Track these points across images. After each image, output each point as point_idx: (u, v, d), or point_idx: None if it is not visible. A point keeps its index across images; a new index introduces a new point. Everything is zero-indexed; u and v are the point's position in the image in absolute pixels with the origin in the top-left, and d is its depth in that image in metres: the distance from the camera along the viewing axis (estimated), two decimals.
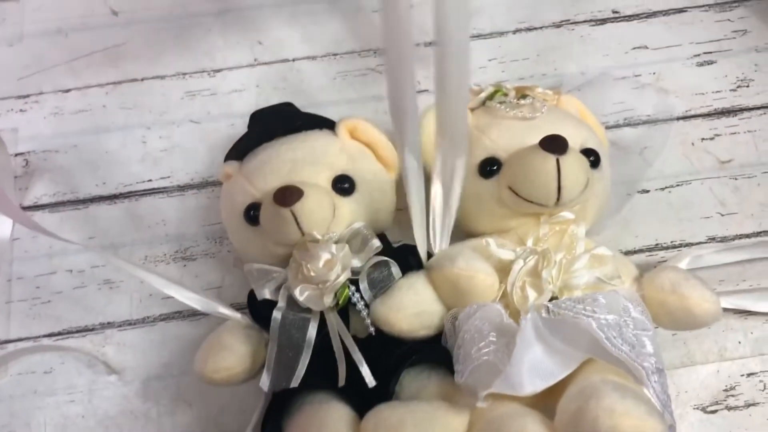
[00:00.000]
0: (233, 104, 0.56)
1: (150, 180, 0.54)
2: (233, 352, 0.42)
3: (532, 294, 0.41)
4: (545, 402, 0.37)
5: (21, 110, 0.57)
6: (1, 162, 0.52)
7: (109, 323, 0.50)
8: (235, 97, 0.57)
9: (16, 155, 0.55)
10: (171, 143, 0.56)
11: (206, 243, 0.52)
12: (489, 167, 0.45)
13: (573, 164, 0.42)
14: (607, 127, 0.54)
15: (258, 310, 0.44)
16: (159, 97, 0.57)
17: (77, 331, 0.50)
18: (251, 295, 0.45)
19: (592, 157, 0.45)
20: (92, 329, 0.50)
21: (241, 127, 0.52)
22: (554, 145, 0.41)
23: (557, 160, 0.41)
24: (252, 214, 0.43)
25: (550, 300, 0.41)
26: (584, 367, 0.38)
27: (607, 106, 0.55)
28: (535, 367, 0.37)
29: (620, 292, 0.41)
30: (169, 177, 0.55)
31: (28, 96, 0.58)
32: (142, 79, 0.58)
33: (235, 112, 0.56)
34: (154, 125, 0.56)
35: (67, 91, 0.58)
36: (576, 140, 0.44)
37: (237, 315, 0.45)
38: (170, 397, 0.48)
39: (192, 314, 0.50)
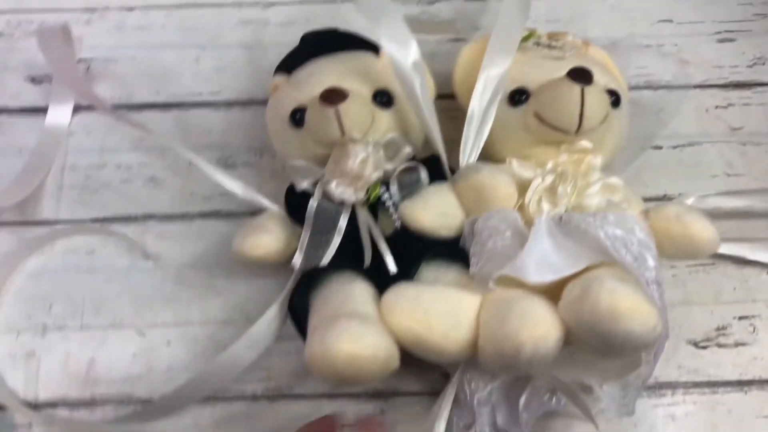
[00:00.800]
0: (283, 35, 0.61)
1: (200, 94, 0.59)
2: (270, 233, 0.47)
3: (547, 206, 0.45)
4: (553, 299, 0.41)
5: (87, 22, 0.62)
6: (69, 56, 0.56)
7: (150, 215, 0.54)
8: (285, 29, 0.61)
9: (79, 61, 0.60)
10: (222, 64, 0.60)
11: (247, 154, 0.56)
12: (518, 96, 0.49)
13: (596, 95, 0.46)
14: (629, 88, 0.58)
15: (294, 204, 0.48)
16: (215, 23, 0.62)
17: (121, 219, 0.54)
18: (288, 190, 0.49)
19: (614, 97, 0.48)
20: (135, 219, 0.54)
21: None
22: (580, 76, 0.46)
23: (582, 90, 0.45)
24: (297, 117, 0.47)
25: None
26: (590, 267, 0.41)
27: (631, 69, 0.59)
28: (544, 259, 0.40)
29: (629, 215, 0.45)
30: (218, 93, 0.59)
31: (94, 10, 0.62)
32: (201, 5, 0.62)
33: (284, 42, 0.59)
34: (208, 46, 0.61)
35: (131, 9, 0.62)
36: (600, 80, 0.48)
37: (274, 207, 0.49)
38: (201, 285, 0.52)
39: (228, 214, 0.54)
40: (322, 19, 0.61)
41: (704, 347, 0.50)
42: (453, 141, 0.51)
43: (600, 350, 0.38)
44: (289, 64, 0.51)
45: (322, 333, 0.37)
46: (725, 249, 0.51)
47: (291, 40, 0.56)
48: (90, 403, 0.49)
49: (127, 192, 0.55)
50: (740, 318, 0.51)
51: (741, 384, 0.49)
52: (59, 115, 0.56)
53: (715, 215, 0.52)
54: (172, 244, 0.53)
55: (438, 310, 0.39)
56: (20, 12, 0.62)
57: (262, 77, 0.59)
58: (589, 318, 0.36)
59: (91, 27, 0.62)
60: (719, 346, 0.50)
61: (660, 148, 0.56)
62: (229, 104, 0.58)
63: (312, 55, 0.51)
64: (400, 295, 0.40)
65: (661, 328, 0.37)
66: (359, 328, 0.37)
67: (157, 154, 0.56)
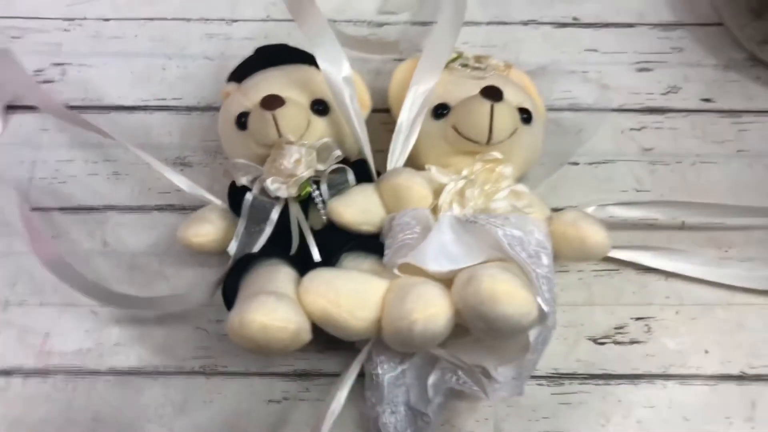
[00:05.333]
0: (244, 48, 0.66)
1: (164, 99, 0.65)
2: (211, 223, 0.52)
3: (456, 208, 0.51)
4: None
5: (66, 30, 0.68)
6: (22, 74, 0.61)
7: (111, 206, 0.60)
8: (246, 43, 0.67)
9: (57, 65, 0.66)
10: (186, 73, 0.66)
11: (203, 155, 0.62)
12: (440, 110, 0.54)
13: (504, 111, 0.51)
14: (552, 109, 0.64)
15: (235, 198, 0.53)
16: (182, 36, 0.68)
17: (84, 209, 0.60)
18: (231, 185, 0.54)
19: (525, 115, 0.54)
20: (97, 209, 0.60)
21: None
22: (491, 93, 0.51)
23: (492, 106, 0.51)
24: (242, 120, 0.53)
25: None
26: (486, 262, 0.47)
27: (556, 92, 0.65)
28: (443, 249, 0.46)
29: (529, 219, 0.51)
30: (180, 98, 0.65)
31: (73, 20, 0.68)
32: (171, 19, 0.68)
33: (244, 55, 0.65)
34: (175, 57, 0.67)
35: (107, 20, 0.69)
36: (514, 99, 0.54)
37: (217, 201, 0.55)
38: (151, 271, 0.57)
39: (182, 208, 0.60)
40: (279, 35, 0.67)
41: (602, 343, 0.56)
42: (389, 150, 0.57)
43: (484, 330, 0.44)
44: (240, 73, 0.57)
45: (241, 306, 0.43)
46: (627, 256, 0.57)
47: (251, 53, 0.62)
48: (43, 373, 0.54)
49: (91, 184, 0.61)
50: (637, 318, 0.56)
51: (632, 377, 0.54)
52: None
53: (622, 226, 0.58)
54: (128, 233, 0.59)
55: (347, 291, 0.45)
56: (6, 18, 0.68)
57: (221, 86, 0.64)
58: (472, 300, 0.42)
59: (70, 35, 0.68)
60: (616, 343, 0.56)
61: (577, 164, 0.62)
62: (189, 109, 0.64)
63: (261, 66, 0.57)
64: (316, 276, 0.46)
65: (536, 314, 0.42)
66: (273, 303, 0.43)
67: (121, 151, 0.62)
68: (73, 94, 0.65)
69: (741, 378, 0.54)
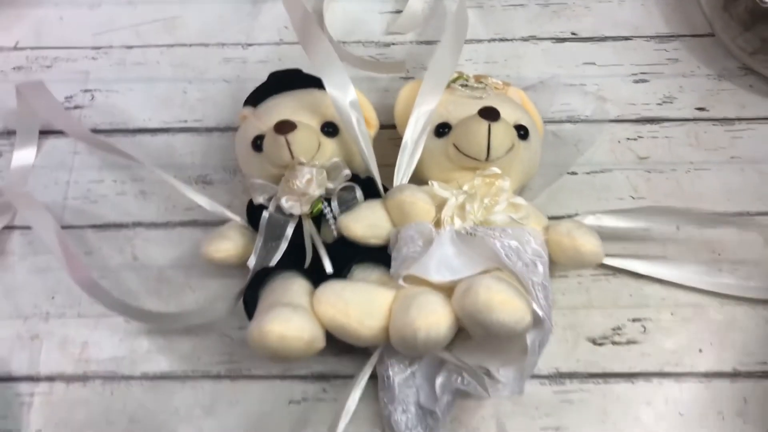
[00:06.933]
0: (259, 72, 0.70)
1: (186, 121, 0.69)
2: (231, 240, 0.56)
3: (458, 222, 0.54)
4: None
5: (93, 58, 0.73)
6: (55, 104, 0.66)
7: (139, 223, 0.64)
8: (260, 66, 0.71)
9: (86, 91, 0.71)
10: (206, 95, 0.70)
11: (223, 173, 0.66)
12: (442, 129, 0.58)
13: (501, 130, 0.55)
14: (552, 122, 0.67)
15: (253, 215, 0.57)
16: (201, 60, 0.72)
17: (114, 226, 0.64)
18: (249, 203, 0.58)
19: (522, 131, 0.58)
20: (126, 226, 0.64)
21: None
22: (488, 113, 0.55)
23: (489, 125, 0.55)
24: (258, 143, 0.57)
25: None
26: (485, 271, 0.50)
27: (555, 105, 0.68)
28: (445, 261, 0.50)
29: (526, 229, 0.54)
30: (201, 120, 0.69)
31: (99, 48, 0.73)
32: (191, 45, 0.73)
33: (260, 78, 0.68)
34: (195, 80, 0.71)
35: (131, 47, 0.73)
36: (511, 117, 0.58)
37: (237, 218, 0.59)
38: (178, 283, 0.62)
39: (204, 224, 0.64)
40: (293, 58, 0.72)
41: (601, 344, 0.59)
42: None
43: (482, 335, 0.47)
44: (255, 98, 0.61)
45: (260, 317, 0.47)
46: (622, 264, 0.60)
47: (265, 76, 0.66)
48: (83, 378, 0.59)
49: (120, 203, 0.65)
50: (633, 320, 0.60)
51: (629, 376, 0.58)
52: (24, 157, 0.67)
53: (617, 236, 0.61)
54: (156, 248, 0.63)
55: (356, 302, 0.49)
56: (38, 49, 0.73)
57: (239, 108, 0.68)
58: (471, 309, 0.45)
59: (97, 62, 0.72)
60: (614, 343, 0.59)
61: (575, 173, 0.65)
62: (209, 130, 0.69)
63: (275, 91, 0.61)
64: (327, 288, 0.50)
65: (529, 320, 0.46)
66: (289, 314, 0.47)
67: (147, 171, 0.66)
68: (102, 119, 0.69)
69: (733, 375, 0.57)
